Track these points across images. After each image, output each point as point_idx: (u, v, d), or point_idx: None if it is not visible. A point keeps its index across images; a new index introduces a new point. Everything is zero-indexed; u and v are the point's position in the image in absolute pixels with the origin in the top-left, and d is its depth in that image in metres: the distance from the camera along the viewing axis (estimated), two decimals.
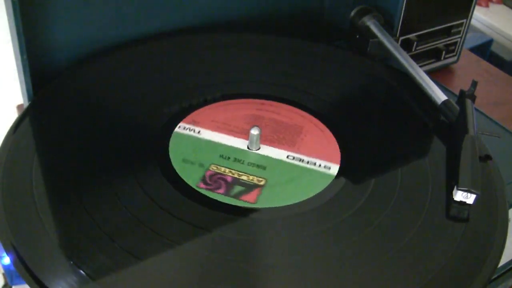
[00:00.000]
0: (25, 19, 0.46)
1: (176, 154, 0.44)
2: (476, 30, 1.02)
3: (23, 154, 0.43)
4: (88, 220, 0.38)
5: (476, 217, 0.41)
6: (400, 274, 0.37)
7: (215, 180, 0.42)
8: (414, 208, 0.41)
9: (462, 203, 0.41)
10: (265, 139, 0.46)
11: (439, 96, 0.50)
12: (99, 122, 0.47)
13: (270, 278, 0.36)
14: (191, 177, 0.42)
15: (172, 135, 0.46)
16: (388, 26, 0.59)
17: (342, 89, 0.54)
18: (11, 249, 0.36)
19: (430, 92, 0.51)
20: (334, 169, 0.44)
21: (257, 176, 0.43)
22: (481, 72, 0.68)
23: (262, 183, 0.43)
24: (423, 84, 0.52)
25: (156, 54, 0.55)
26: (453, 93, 0.57)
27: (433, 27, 0.62)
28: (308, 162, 0.44)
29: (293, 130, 0.48)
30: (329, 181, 0.43)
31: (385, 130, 0.50)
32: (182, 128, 0.47)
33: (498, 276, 0.51)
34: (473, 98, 0.49)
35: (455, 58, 0.66)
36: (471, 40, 0.94)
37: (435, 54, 0.64)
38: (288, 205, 0.41)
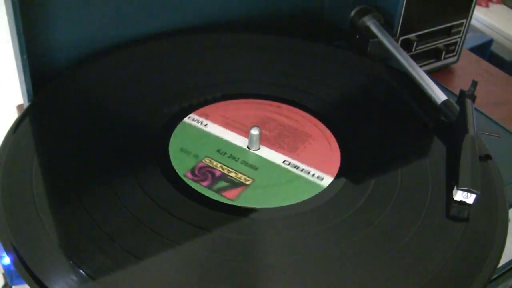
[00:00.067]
0: (25, 19, 0.46)
1: (176, 143, 0.45)
2: (476, 30, 1.02)
3: (23, 154, 0.43)
4: (88, 220, 0.38)
5: (476, 217, 0.41)
6: (400, 274, 0.37)
7: (203, 172, 0.43)
8: (414, 208, 0.41)
9: (462, 203, 0.41)
10: (267, 141, 0.46)
11: (439, 96, 0.50)
12: (99, 122, 0.47)
13: (270, 278, 0.36)
14: (182, 165, 0.43)
15: (179, 124, 0.47)
16: (388, 26, 0.59)
17: (342, 89, 0.54)
18: (11, 249, 0.36)
19: (430, 92, 0.51)
20: (327, 180, 0.43)
21: (245, 175, 0.43)
22: (481, 72, 0.68)
23: (248, 182, 0.42)
24: (423, 84, 0.52)
25: (156, 54, 0.55)
26: (453, 93, 0.57)
27: (433, 27, 0.62)
28: (302, 170, 0.44)
29: (300, 136, 0.47)
30: (317, 191, 0.42)
31: (385, 130, 0.50)
32: (191, 119, 0.48)
33: (498, 276, 0.51)
34: (473, 98, 0.49)
35: (455, 58, 0.66)
36: (471, 40, 0.94)
37: (435, 54, 0.64)
38: (288, 205, 0.41)
